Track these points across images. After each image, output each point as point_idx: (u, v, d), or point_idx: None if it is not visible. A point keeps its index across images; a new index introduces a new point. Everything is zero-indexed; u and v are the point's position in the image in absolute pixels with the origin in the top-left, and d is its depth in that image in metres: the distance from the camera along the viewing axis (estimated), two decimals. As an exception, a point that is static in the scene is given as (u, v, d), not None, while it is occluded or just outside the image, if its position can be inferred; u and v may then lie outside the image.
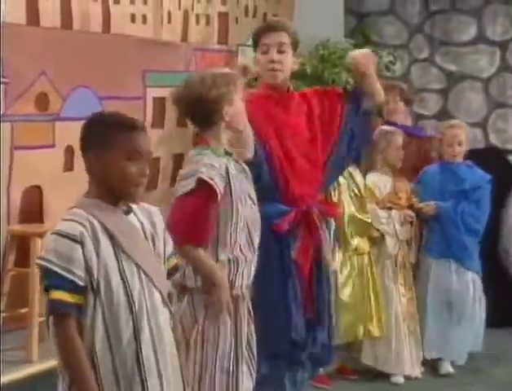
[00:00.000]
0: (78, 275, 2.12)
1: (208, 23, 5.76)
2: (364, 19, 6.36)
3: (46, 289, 2.14)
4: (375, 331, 4.56)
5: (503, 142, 6.20)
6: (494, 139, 6.22)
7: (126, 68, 5.06)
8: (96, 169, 2.23)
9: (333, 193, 4.41)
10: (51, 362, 4.18)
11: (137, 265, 2.22)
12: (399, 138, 4.87)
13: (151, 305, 2.22)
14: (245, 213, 2.77)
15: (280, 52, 3.28)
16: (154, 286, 2.25)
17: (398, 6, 6.32)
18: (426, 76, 6.28)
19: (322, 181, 3.41)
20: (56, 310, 2.13)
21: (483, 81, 6.21)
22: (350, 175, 4.57)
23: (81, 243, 2.13)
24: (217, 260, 2.74)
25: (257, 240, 2.81)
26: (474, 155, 6.16)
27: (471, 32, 6.22)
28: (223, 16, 5.90)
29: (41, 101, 4.59)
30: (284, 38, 3.28)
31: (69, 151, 4.76)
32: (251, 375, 2.86)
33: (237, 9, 6.06)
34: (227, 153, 2.83)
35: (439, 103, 6.28)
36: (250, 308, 2.86)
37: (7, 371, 4.04)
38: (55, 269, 2.11)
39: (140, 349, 2.18)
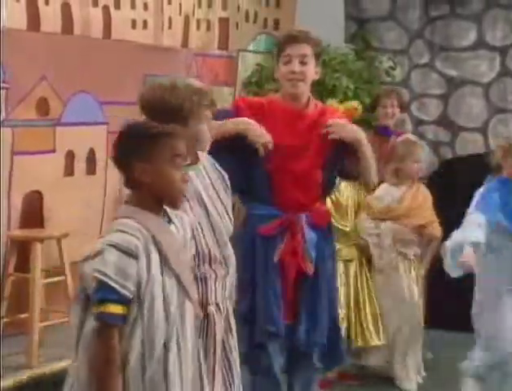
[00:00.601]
0: (131, 290, 2.17)
1: (208, 28, 5.77)
2: (365, 25, 6.34)
3: (99, 301, 2.17)
4: (372, 338, 4.55)
5: (503, 147, 6.19)
6: (494, 144, 6.20)
7: (127, 74, 5.04)
8: (143, 179, 2.24)
9: None
10: (51, 367, 4.23)
11: (177, 278, 2.27)
12: (420, 151, 4.81)
13: (181, 320, 2.27)
14: (215, 225, 2.67)
15: (303, 63, 3.36)
16: (189, 298, 2.30)
17: (398, 11, 6.30)
18: (426, 81, 6.27)
19: (317, 189, 3.46)
20: (105, 321, 2.17)
21: (484, 86, 6.19)
22: None
23: (136, 258, 2.18)
24: None
25: (228, 252, 2.71)
26: (474, 161, 6.18)
27: (471, 37, 6.20)
28: (224, 22, 5.89)
29: (42, 106, 4.59)
30: (307, 50, 3.37)
31: (70, 156, 4.78)
32: (226, 389, 2.77)
33: (238, 14, 6.06)
34: (195, 161, 2.71)
35: (440, 108, 6.26)
36: (231, 321, 2.78)
37: (8, 376, 4.03)
38: (113, 284, 2.15)
39: (167, 365, 2.24)
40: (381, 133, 5.11)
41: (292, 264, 3.33)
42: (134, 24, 5.14)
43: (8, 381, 3.99)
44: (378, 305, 4.64)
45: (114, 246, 2.19)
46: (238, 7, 6.08)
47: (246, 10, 6.17)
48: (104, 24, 4.92)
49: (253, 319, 3.32)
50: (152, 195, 2.27)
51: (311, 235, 3.36)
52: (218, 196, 2.74)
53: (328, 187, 3.57)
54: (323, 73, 5.40)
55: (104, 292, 2.16)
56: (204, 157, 2.77)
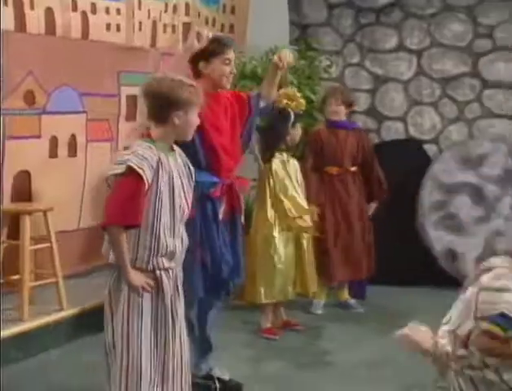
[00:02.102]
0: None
1: (174, 31, 5.68)
2: (306, 30, 6.33)
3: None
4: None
5: (420, 133, 6.25)
6: (412, 131, 6.27)
7: (103, 70, 4.96)
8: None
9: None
10: (40, 321, 4.19)
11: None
12: None
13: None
14: (175, 204, 2.62)
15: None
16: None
17: (333, 19, 6.30)
18: (357, 78, 6.27)
19: (240, 157, 3.62)
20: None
21: (403, 82, 6.23)
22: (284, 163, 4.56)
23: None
24: (138, 242, 2.57)
25: (180, 228, 2.67)
26: (396, 145, 6.24)
27: (393, 42, 6.22)
28: (187, 26, 5.81)
29: (29, 97, 4.48)
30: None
31: (54, 140, 4.69)
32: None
33: (198, 20, 5.99)
34: (172, 149, 2.69)
35: (368, 100, 6.29)
36: (179, 284, 2.73)
37: (2, 328, 3.99)
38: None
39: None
40: (331, 126, 5.09)
41: (227, 218, 3.50)
42: (108, 26, 5.03)
43: (2, 333, 3.95)
44: None
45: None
46: (199, 13, 6.01)
47: (206, 16, 6.12)
48: (83, 26, 4.81)
49: (207, 264, 3.39)
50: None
51: (241, 196, 3.58)
52: (182, 182, 2.68)
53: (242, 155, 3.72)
54: (271, 70, 5.42)
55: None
56: (176, 147, 2.74)
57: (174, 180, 2.60)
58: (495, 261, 2.57)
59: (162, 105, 2.61)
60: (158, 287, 2.60)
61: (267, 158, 4.54)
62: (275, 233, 4.47)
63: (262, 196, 4.54)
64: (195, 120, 2.70)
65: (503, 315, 2.37)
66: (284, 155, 4.57)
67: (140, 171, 2.48)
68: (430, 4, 6.11)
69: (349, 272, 5.07)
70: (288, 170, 4.54)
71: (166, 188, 2.58)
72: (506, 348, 2.39)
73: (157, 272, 2.60)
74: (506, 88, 6.03)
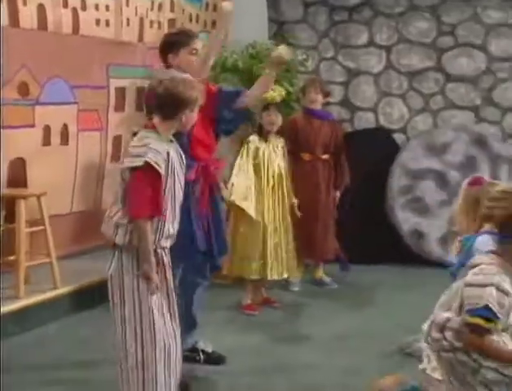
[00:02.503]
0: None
1: (159, 27, 5.66)
2: (283, 26, 6.34)
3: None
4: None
5: (389, 123, 6.29)
6: (382, 121, 6.32)
7: (93, 63, 4.94)
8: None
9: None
10: (35, 298, 4.17)
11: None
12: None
13: None
14: (176, 191, 2.69)
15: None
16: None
17: (309, 16, 6.31)
18: (331, 71, 6.30)
19: (214, 143, 3.53)
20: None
21: (374, 76, 6.27)
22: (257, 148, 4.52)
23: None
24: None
25: (178, 212, 2.73)
26: (368, 133, 6.29)
27: (364, 38, 6.25)
28: (172, 22, 5.80)
29: (23, 89, 4.46)
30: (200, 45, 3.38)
31: (47, 129, 4.67)
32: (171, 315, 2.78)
33: (183, 16, 5.97)
34: (171, 141, 2.73)
35: (342, 92, 6.32)
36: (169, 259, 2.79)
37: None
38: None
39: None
40: (308, 115, 5.08)
41: (205, 198, 3.42)
42: (98, 22, 5.02)
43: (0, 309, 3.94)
44: None
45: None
46: (183, 10, 5.99)
47: (190, 12, 6.09)
48: (73, 22, 4.79)
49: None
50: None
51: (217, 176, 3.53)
52: (180, 170, 2.74)
53: (216, 141, 3.62)
54: (250, 63, 5.42)
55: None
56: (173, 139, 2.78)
57: (176, 170, 2.67)
58: (481, 257, 2.60)
59: (175, 104, 2.65)
60: (159, 264, 2.67)
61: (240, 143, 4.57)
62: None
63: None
64: (196, 116, 2.76)
65: (486, 308, 2.42)
66: (257, 139, 4.53)
67: (157, 167, 2.55)
68: (398, 3, 6.16)
69: (314, 253, 5.09)
70: (257, 156, 4.51)
71: (172, 178, 2.64)
72: (483, 341, 2.44)
73: (159, 251, 2.66)
74: (468, 82, 6.12)
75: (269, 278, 4.58)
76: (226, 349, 3.67)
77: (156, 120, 2.70)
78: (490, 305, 2.42)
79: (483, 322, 2.43)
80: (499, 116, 6.10)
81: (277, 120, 4.57)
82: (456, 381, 2.59)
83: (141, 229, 2.58)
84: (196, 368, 3.45)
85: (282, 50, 3.56)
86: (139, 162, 2.57)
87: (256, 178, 4.49)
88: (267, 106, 4.52)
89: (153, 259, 2.61)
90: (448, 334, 2.56)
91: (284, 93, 4.67)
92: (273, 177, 4.54)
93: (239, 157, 4.49)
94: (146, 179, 2.56)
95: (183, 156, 2.80)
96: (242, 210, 4.43)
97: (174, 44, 3.34)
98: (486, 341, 2.44)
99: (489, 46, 6.07)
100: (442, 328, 2.60)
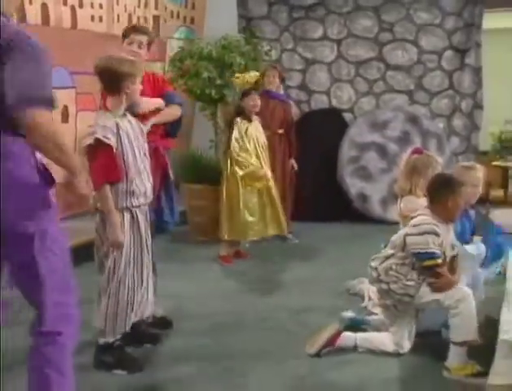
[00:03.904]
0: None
1: (146, 22, 5.57)
2: (251, 22, 6.27)
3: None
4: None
5: (340, 104, 6.31)
6: (334, 103, 6.33)
7: (88, 53, 4.75)
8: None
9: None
10: None
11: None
12: (478, 174, 3.11)
13: None
14: (135, 154, 2.63)
15: (140, 48, 3.19)
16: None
17: (272, 13, 6.25)
18: (292, 60, 6.29)
19: (162, 128, 3.30)
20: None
21: (327, 64, 6.27)
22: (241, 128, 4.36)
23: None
24: (117, 190, 2.60)
25: (145, 174, 2.68)
26: (322, 113, 6.30)
27: (319, 32, 6.23)
28: (156, 18, 5.73)
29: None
30: (144, 39, 3.20)
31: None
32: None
33: (165, 13, 5.89)
34: (124, 114, 2.66)
35: (300, 78, 6.31)
36: (148, 214, 2.77)
37: None
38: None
39: None
40: (266, 96, 5.00)
41: (157, 175, 3.24)
42: (92, 18, 4.92)
43: None
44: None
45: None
46: (165, 8, 5.91)
47: (171, 10, 6.01)
48: (72, 18, 4.69)
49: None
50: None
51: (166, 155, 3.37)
52: (138, 138, 2.69)
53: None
54: (223, 53, 5.37)
55: None
56: (127, 113, 2.70)
57: (131, 136, 2.62)
58: (420, 213, 2.80)
59: (113, 79, 2.58)
60: (134, 222, 2.66)
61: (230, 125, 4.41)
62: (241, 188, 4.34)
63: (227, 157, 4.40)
64: (139, 88, 2.66)
65: (431, 250, 2.71)
66: (244, 121, 4.35)
67: (106, 140, 2.51)
68: (346, 4, 6.15)
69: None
70: (247, 134, 4.34)
71: (128, 145, 2.60)
72: (440, 272, 2.73)
73: (133, 210, 2.65)
74: (403, 70, 6.17)
75: (269, 234, 4.49)
76: (208, 291, 3.74)
77: (107, 100, 2.65)
78: (433, 249, 2.71)
79: (434, 261, 2.72)
80: (428, 99, 6.18)
81: (259, 102, 4.40)
82: (385, 306, 2.89)
83: (101, 195, 2.55)
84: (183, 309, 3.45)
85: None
86: (90, 140, 2.53)
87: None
88: (248, 91, 4.35)
89: (116, 219, 2.57)
90: (381, 267, 2.82)
91: (258, 76, 4.54)
92: (261, 151, 4.41)
93: (234, 134, 4.30)
94: (97, 152, 2.52)
95: (142, 126, 2.74)
96: (252, 182, 4.29)
97: (122, 35, 3.28)
98: (442, 272, 2.75)
99: (420, 41, 6.12)
100: (382, 261, 2.86)
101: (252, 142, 4.36)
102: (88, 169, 2.54)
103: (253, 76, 4.45)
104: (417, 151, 3.22)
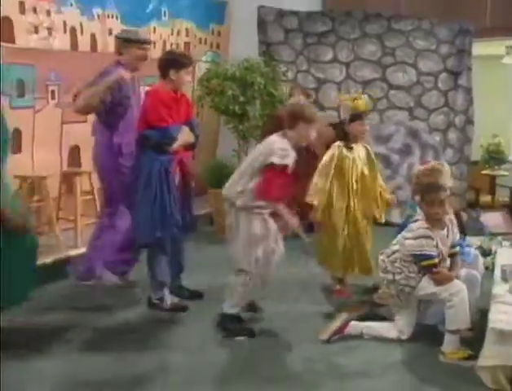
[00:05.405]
0: None
1: (177, 48, 5.60)
2: (270, 47, 6.28)
3: None
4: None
5: (347, 119, 6.30)
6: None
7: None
8: None
9: None
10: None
11: None
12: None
13: None
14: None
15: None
16: None
17: (289, 39, 6.26)
18: (306, 80, 6.27)
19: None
20: None
21: (337, 84, 6.25)
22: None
23: None
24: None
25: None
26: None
27: (330, 56, 6.22)
28: (187, 44, 5.81)
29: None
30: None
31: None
32: None
33: (195, 40, 5.96)
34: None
35: (313, 95, 6.28)
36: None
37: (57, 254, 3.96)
38: None
39: None
40: None
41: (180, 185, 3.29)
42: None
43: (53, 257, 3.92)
44: None
45: None
46: (195, 36, 5.98)
47: (200, 37, 6.08)
48: (91, 45, 4.67)
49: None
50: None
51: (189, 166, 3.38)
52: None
53: None
54: (245, 74, 5.41)
55: None
56: None
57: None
58: (417, 220, 2.86)
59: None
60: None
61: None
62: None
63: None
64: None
65: (427, 253, 2.74)
66: (343, 146, 3.63)
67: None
68: (354, 32, 6.15)
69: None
70: (344, 161, 3.56)
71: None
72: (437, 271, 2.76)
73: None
74: (404, 90, 6.15)
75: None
76: (206, 284, 3.64)
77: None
78: (428, 251, 2.74)
79: (431, 261, 2.74)
80: (426, 115, 6.15)
81: (367, 129, 3.65)
82: (391, 295, 2.92)
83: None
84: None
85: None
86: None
87: (338, 183, 3.53)
88: (358, 115, 3.58)
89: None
90: (388, 260, 2.86)
91: (369, 103, 3.79)
92: (356, 181, 3.56)
93: (323, 160, 3.56)
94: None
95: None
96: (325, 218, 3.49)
97: (181, 63, 3.29)
98: (440, 270, 2.78)
99: (418, 65, 6.10)
100: (389, 255, 2.92)
101: (347, 172, 3.53)
102: None
103: (366, 102, 3.68)
104: (424, 163, 3.27)
